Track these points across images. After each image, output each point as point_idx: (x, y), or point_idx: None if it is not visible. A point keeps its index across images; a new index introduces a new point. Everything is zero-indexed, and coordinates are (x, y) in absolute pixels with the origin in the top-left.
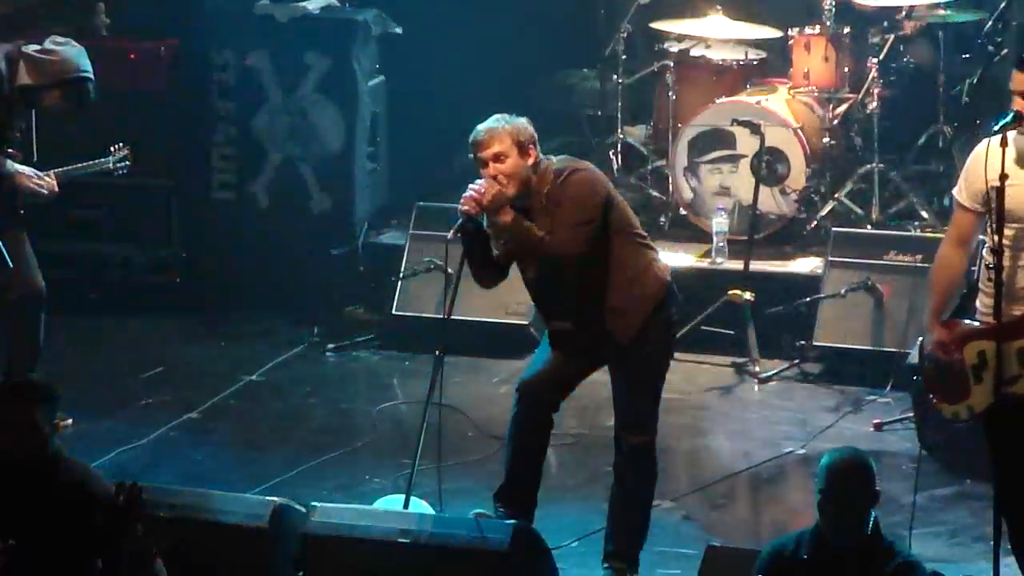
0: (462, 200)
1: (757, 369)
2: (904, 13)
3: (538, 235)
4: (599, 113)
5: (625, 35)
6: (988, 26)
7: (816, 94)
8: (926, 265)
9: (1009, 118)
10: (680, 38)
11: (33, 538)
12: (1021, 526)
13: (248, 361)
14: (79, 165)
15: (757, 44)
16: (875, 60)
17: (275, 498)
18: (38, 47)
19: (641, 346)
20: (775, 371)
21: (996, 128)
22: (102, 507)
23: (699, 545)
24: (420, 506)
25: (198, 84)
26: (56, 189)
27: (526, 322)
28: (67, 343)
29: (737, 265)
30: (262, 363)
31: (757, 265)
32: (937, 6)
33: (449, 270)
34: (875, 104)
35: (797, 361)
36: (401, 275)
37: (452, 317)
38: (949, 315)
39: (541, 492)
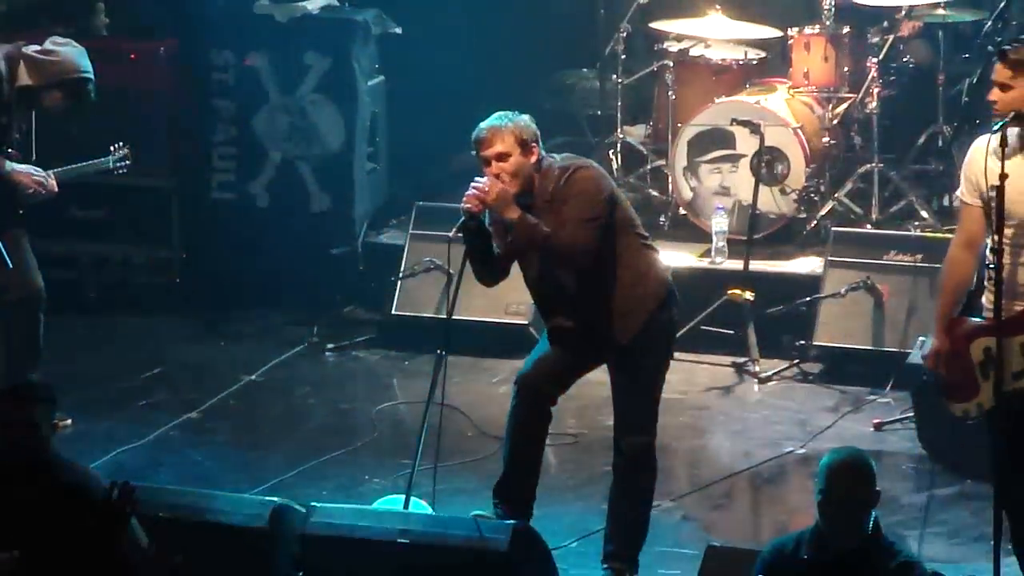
0: (465, 198)
1: (757, 369)
2: (904, 13)
3: (544, 231)
4: (599, 113)
5: (625, 35)
6: (987, 26)
7: (816, 94)
8: (926, 265)
9: (1009, 117)
10: (680, 38)
11: (32, 539)
12: (1022, 525)
13: (248, 361)
14: (79, 165)
15: (757, 44)
16: (875, 60)
17: (275, 498)
18: (38, 48)
19: (641, 346)
20: (775, 371)
21: (996, 128)
22: (96, 506)
23: (699, 545)
24: (420, 506)
25: (198, 84)
26: (56, 189)
27: (526, 322)
28: (67, 343)
29: (737, 265)
30: (262, 363)
31: (757, 265)
32: (936, 6)
33: (449, 270)
34: (875, 104)
35: (797, 361)
36: (401, 275)
37: (452, 317)
38: (958, 312)
39: (540, 492)
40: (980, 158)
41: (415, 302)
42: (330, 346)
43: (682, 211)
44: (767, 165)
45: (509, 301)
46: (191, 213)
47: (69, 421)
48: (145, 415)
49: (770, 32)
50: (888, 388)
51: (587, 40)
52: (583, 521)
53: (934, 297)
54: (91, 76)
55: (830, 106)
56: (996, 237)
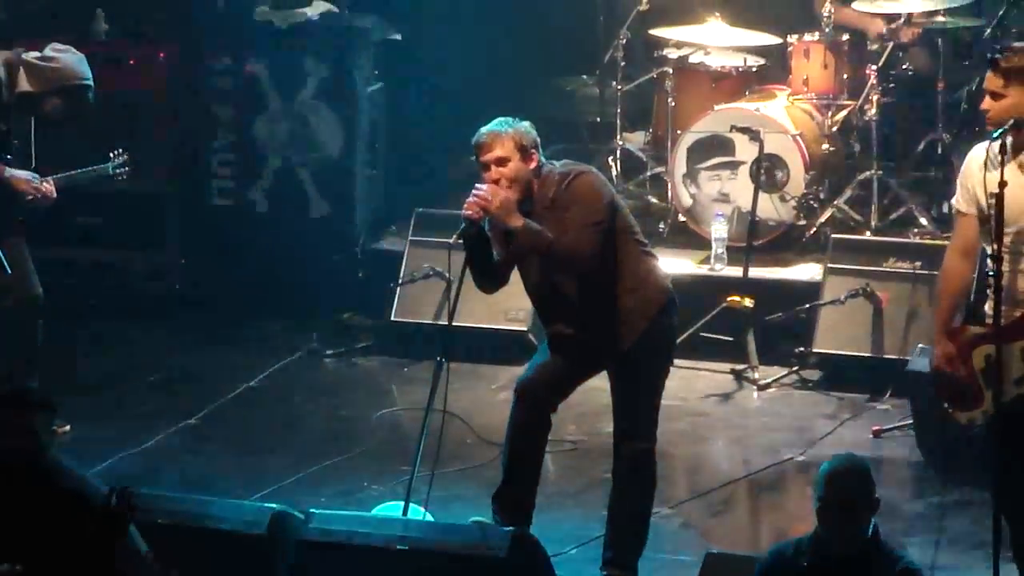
0: (466, 204)
1: (756, 376)
2: (903, 20)
3: (548, 237)
4: (598, 120)
5: (624, 42)
6: (987, 33)
7: (815, 101)
8: (925, 272)
9: (1008, 125)
10: (679, 45)
11: (31, 546)
12: (1021, 533)
13: (247, 367)
14: (78, 171)
15: (756, 51)
16: (874, 67)
17: (273, 505)
18: (38, 54)
19: (641, 353)
20: (774, 378)
21: (996, 135)
22: (96, 513)
23: (698, 552)
24: (419, 513)
25: (197, 90)
26: (55, 195)
27: (525, 328)
28: (65, 349)
29: (736, 272)
30: (261, 369)
31: (756, 272)
32: (936, 13)
33: (449, 276)
34: (874, 111)
35: (796, 368)
36: (400, 281)
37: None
38: (958, 321)
39: (540, 498)
40: (976, 167)
41: (414, 309)
42: (329, 352)
43: (681, 218)
44: (766, 172)
45: (508, 308)
46: (190, 219)
47: (67, 427)
48: (144, 421)
49: (769, 39)
50: (887, 395)
51: (587, 47)
52: (583, 527)
53: (933, 305)
54: (91, 83)
55: (829, 113)
56: (996, 245)
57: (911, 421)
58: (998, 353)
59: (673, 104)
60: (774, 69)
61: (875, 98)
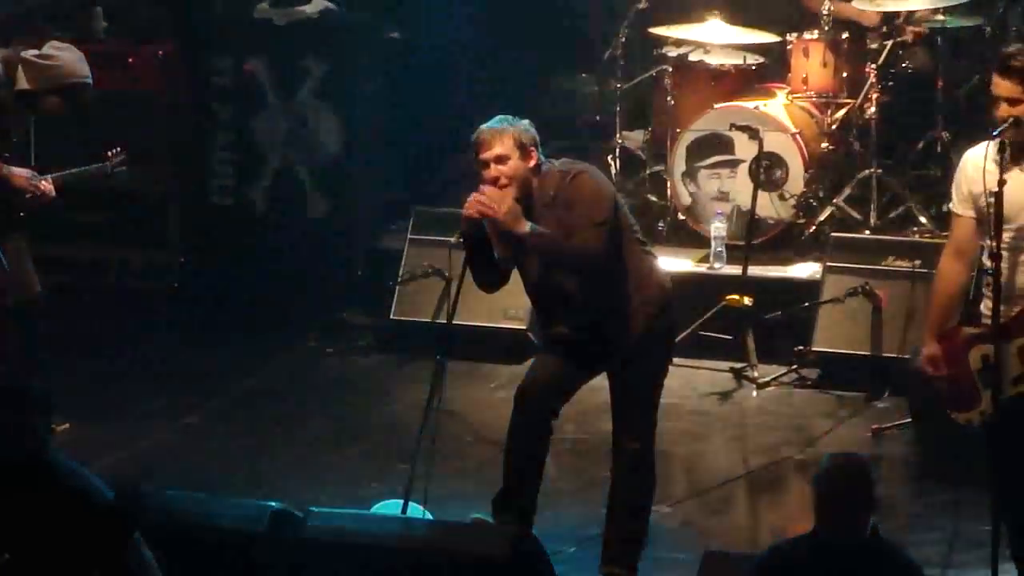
0: (467, 204)
1: (755, 374)
2: (902, 19)
3: (557, 240)
4: (597, 118)
5: (623, 40)
6: (987, 32)
7: (814, 99)
8: (924, 270)
9: (1008, 123)
10: (678, 43)
11: (31, 546)
12: (1020, 532)
13: (246, 366)
14: (77, 170)
15: (755, 49)
16: (873, 66)
17: (273, 503)
18: (37, 52)
19: (641, 352)
20: (773, 376)
21: (996, 133)
22: (101, 513)
23: (697, 550)
24: (418, 511)
25: (197, 88)
26: (54, 194)
27: (525, 327)
28: (65, 348)
29: (735, 270)
30: (260, 367)
31: (755, 270)
32: (935, 12)
33: (448, 275)
34: (873, 109)
35: (795, 366)
36: (399, 280)
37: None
38: (955, 322)
39: (539, 497)
40: (971, 168)
41: (413, 307)
42: (329, 350)
43: (681, 216)
44: (766, 170)
45: (508, 307)
46: (189, 218)
47: (67, 425)
48: (143, 419)
49: (769, 38)
50: (886, 393)
51: (586, 45)
52: (581, 526)
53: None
54: (90, 81)
55: (829, 111)
56: (995, 243)
57: (910, 420)
58: (996, 352)
59: (672, 102)
60: (773, 67)
61: (874, 96)
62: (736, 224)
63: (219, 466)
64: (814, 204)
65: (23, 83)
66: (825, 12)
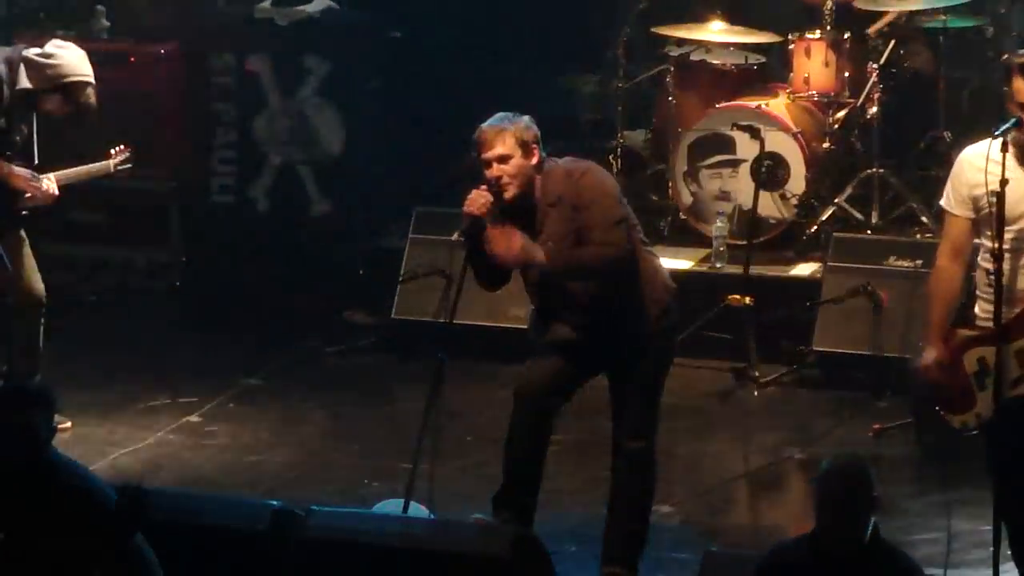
0: (467, 202)
1: (756, 374)
2: (904, 18)
3: (577, 255)
4: (599, 117)
5: (625, 39)
6: (989, 32)
7: (816, 99)
8: (926, 270)
9: (1011, 123)
10: (680, 43)
11: (32, 544)
12: (1021, 532)
13: (247, 364)
14: (79, 169)
15: (757, 49)
16: (875, 65)
17: (274, 502)
18: (39, 51)
19: (643, 352)
20: (774, 376)
21: (998, 133)
22: (103, 512)
23: (698, 550)
24: (420, 511)
25: (198, 87)
26: (56, 193)
27: (526, 326)
28: (66, 346)
29: (737, 270)
30: (261, 366)
31: (757, 270)
32: (937, 11)
33: (448, 273)
34: (875, 109)
35: (796, 366)
36: (400, 279)
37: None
38: (949, 324)
39: (540, 496)
40: (969, 168)
41: (415, 306)
42: (329, 349)
43: (682, 216)
44: (767, 170)
45: (509, 305)
46: (191, 217)
47: (68, 424)
48: (144, 418)
49: (770, 37)
50: (887, 393)
51: (588, 44)
52: (582, 526)
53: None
54: (91, 79)
55: (830, 111)
56: (996, 244)
57: (911, 419)
58: (998, 353)
59: (674, 102)
60: (775, 67)
61: (876, 96)
62: (738, 224)
63: (221, 465)
64: (816, 204)
65: (25, 82)
66: (826, 12)
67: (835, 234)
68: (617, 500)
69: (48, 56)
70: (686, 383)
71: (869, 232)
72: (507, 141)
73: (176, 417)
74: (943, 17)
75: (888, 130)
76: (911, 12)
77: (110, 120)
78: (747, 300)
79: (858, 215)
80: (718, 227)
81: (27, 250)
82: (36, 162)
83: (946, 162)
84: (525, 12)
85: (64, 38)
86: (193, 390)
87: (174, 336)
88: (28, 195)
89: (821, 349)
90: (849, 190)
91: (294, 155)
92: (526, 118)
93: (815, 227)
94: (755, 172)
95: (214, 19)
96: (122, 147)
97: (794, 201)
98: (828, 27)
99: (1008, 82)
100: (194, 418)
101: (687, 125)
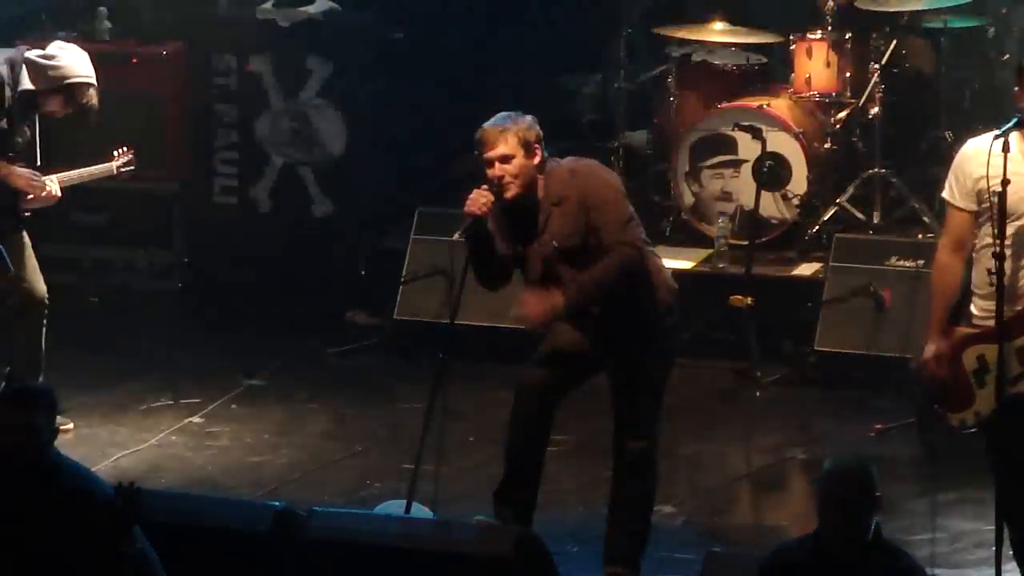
0: (468, 202)
1: (758, 374)
2: (906, 19)
3: (593, 278)
4: (600, 118)
5: (627, 39)
6: (990, 32)
7: (818, 99)
8: (928, 270)
9: (1013, 122)
10: (682, 43)
11: (34, 544)
12: (1022, 532)
13: (249, 365)
14: (82, 170)
15: (758, 49)
16: (877, 66)
17: (276, 503)
18: (41, 52)
19: (645, 352)
20: (776, 376)
21: (1000, 132)
22: (101, 511)
23: (700, 550)
24: (422, 511)
25: (200, 88)
26: (58, 194)
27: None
28: (68, 347)
29: (738, 270)
30: (263, 367)
31: (759, 270)
32: (939, 12)
33: (451, 273)
34: (877, 109)
35: (798, 366)
36: (402, 280)
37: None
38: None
39: (542, 496)
40: (973, 161)
41: (417, 307)
42: (331, 350)
43: (684, 216)
44: (769, 170)
45: (511, 305)
46: (193, 217)
47: (71, 425)
48: (147, 419)
49: (772, 38)
50: (890, 393)
51: (589, 44)
52: (584, 526)
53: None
54: (93, 80)
55: (832, 112)
56: (998, 242)
57: (913, 419)
58: (1000, 351)
59: (675, 102)
60: (777, 67)
61: (878, 96)
62: (739, 224)
63: (223, 466)
64: (817, 204)
65: (27, 83)
66: (829, 12)
67: (837, 234)
68: (619, 500)
69: (50, 57)
70: (688, 383)
71: (871, 232)
72: (509, 141)
73: (178, 418)
74: (945, 17)
75: (890, 130)
76: (912, 12)
77: (112, 121)
78: (749, 300)
79: (860, 215)
80: (720, 227)
81: (29, 251)
82: (38, 163)
83: (948, 162)
84: (526, 13)
85: (66, 39)
86: (195, 391)
87: (176, 337)
88: (30, 196)
89: (823, 349)
90: (851, 190)
91: (296, 156)
92: (529, 118)
93: (817, 227)
94: (757, 172)
95: (216, 20)
96: (125, 149)
97: (796, 201)
98: (829, 27)
99: (1019, 81)
100: (196, 419)
101: (689, 125)
